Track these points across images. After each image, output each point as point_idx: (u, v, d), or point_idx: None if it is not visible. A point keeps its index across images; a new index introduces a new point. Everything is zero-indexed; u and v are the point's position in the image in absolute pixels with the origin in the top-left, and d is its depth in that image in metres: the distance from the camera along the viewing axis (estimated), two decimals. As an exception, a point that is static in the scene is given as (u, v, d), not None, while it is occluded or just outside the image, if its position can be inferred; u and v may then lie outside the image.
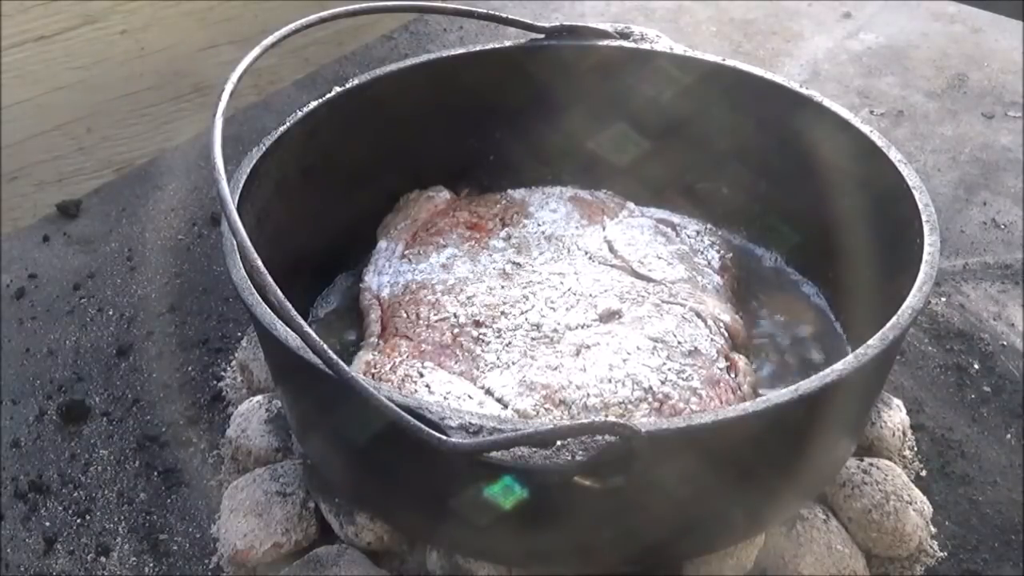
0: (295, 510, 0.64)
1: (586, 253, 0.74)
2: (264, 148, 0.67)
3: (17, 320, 0.85)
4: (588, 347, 0.64)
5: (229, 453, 0.72)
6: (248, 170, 0.65)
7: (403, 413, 0.44)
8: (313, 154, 0.73)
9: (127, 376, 0.80)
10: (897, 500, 0.64)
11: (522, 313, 0.67)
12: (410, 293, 0.70)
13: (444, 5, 0.78)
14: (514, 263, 0.72)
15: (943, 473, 0.71)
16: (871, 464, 0.67)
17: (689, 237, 0.77)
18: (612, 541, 0.55)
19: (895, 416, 0.71)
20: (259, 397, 0.73)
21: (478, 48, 0.80)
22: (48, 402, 0.78)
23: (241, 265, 0.55)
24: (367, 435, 0.51)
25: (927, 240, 0.59)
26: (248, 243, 0.50)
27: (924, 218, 0.60)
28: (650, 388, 0.60)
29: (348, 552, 0.63)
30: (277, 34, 0.64)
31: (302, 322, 0.46)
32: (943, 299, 0.86)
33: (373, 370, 0.63)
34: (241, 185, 0.63)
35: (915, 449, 0.72)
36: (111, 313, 0.86)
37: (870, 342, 0.52)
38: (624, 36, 0.79)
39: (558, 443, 0.45)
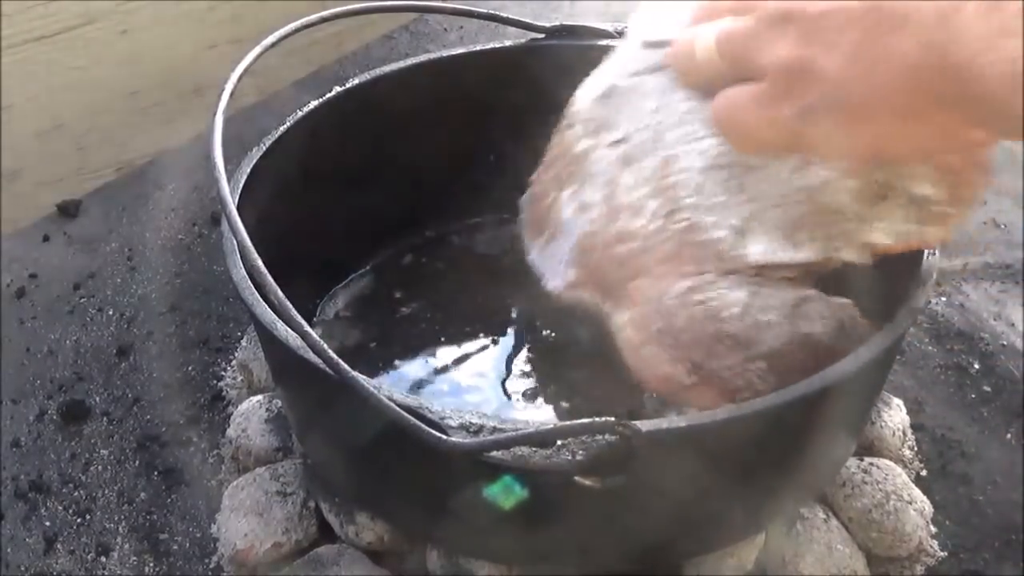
0: (295, 510, 0.64)
1: None
2: (264, 148, 0.67)
3: (17, 320, 0.86)
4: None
5: (229, 453, 0.72)
6: (248, 170, 0.65)
7: (403, 413, 0.44)
8: (313, 154, 0.73)
9: (127, 376, 0.80)
10: (897, 500, 0.64)
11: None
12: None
13: (444, 5, 0.78)
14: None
15: (943, 473, 0.71)
16: (871, 464, 0.67)
17: None
18: (612, 541, 0.55)
19: (895, 416, 0.71)
20: (259, 397, 0.73)
21: (478, 48, 0.80)
22: (48, 402, 0.78)
23: (241, 265, 0.55)
24: (367, 435, 0.51)
25: (927, 240, 0.59)
26: (248, 243, 0.50)
27: (924, 218, 0.60)
28: None
29: (348, 552, 0.63)
30: (277, 34, 0.64)
31: (302, 322, 0.46)
32: (943, 299, 0.86)
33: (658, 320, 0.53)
34: (241, 185, 0.63)
35: (915, 449, 0.72)
36: (111, 313, 0.86)
37: (870, 342, 0.52)
38: (624, 36, 0.79)
39: (558, 443, 0.45)
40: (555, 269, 0.62)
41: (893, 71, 0.34)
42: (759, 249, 0.51)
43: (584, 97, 0.62)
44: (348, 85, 0.74)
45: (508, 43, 0.80)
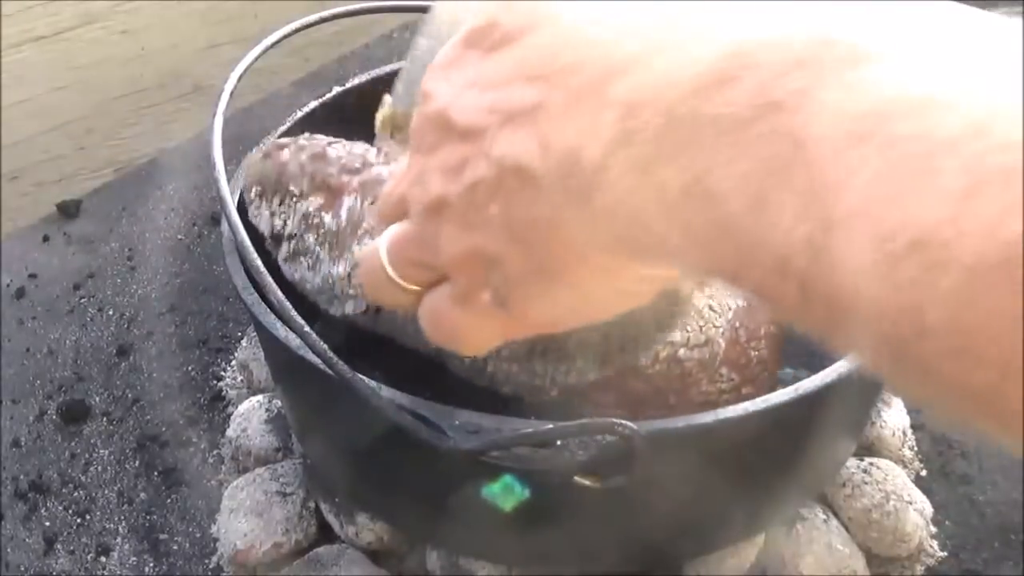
0: (295, 510, 0.64)
1: None
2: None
3: (17, 320, 0.85)
4: None
5: (229, 453, 0.72)
6: (248, 170, 0.65)
7: (404, 413, 0.44)
8: (313, 154, 0.72)
9: (127, 376, 0.80)
10: (897, 500, 0.64)
11: None
12: None
13: (444, 5, 0.78)
14: None
15: (943, 473, 0.71)
16: (871, 464, 0.67)
17: None
18: (612, 541, 0.55)
19: (895, 416, 0.71)
20: (259, 397, 0.73)
21: (478, 48, 0.80)
22: (48, 402, 0.78)
23: (241, 265, 0.55)
24: (367, 435, 0.51)
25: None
26: (248, 243, 0.49)
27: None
28: None
29: (348, 552, 0.63)
30: (277, 34, 0.64)
31: (302, 322, 0.46)
32: (943, 299, 0.86)
33: None
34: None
35: (915, 449, 0.72)
36: (111, 313, 0.86)
37: (870, 342, 0.52)
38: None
39: (558, 443, 0.45)
40: None
41: (548, 234, 0.31)
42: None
43: None
44: (348, 85, 0.74)
45: (508, 43, 0.80)
